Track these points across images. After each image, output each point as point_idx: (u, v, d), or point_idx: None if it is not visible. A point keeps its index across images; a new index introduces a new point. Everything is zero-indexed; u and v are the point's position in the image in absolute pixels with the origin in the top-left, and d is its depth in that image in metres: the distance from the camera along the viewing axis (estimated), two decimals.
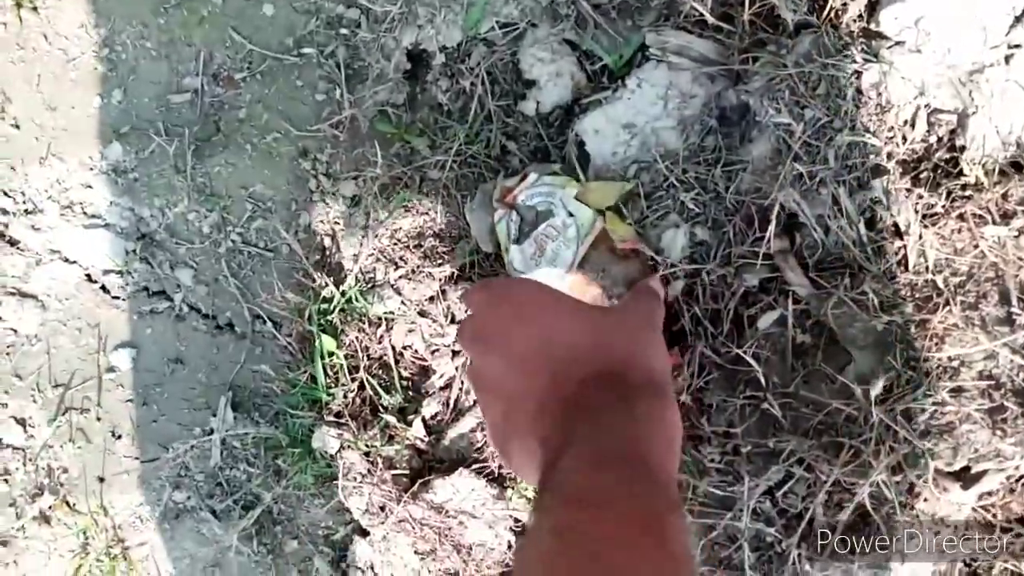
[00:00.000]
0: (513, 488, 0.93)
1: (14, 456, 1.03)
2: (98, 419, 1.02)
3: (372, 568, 0.98)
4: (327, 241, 1.00)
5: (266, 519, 0.99)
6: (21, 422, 1.03)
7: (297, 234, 1.00)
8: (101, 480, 1.02)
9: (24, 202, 1.04)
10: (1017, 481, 0.82)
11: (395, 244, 0.97)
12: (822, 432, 0.85)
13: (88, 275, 1.04)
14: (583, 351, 0.43)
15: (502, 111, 0.95)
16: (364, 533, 0.97)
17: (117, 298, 1.03)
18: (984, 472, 0.81)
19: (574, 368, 0.42)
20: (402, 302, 0.96)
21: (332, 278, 0.97)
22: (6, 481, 1.03)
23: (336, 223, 1.00)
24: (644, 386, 0.42)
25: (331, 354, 0.95)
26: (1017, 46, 0.84)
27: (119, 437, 1.02)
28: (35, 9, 1.04)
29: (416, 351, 0.97)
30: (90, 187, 1.03)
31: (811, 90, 0.86)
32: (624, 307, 0.54)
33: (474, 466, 0.95)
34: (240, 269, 1.01)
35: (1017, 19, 0.85)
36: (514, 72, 0.95)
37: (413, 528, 0.94)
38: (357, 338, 0.96)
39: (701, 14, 0.89)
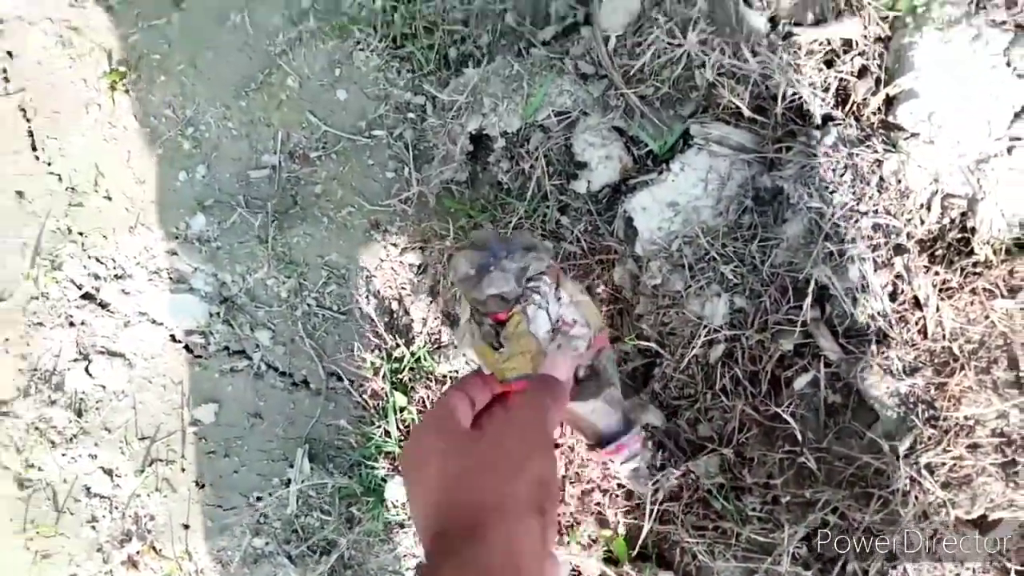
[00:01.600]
0: (571, 535, 1.02)
1: (101, 504, 1.10)
2: (182, 470, 1.10)
3: None
4: (394, 305, 1.09)
5: (338, 564, 1.06)
6: (108, 472, 1.11)
7: (369, 299, 1.09)
8: (186, 527, 1.09)
9: (114, 268, 1.13)
10: None
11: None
12: (854, 483, 0.95)
13: (173, 335, 1.12)
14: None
15: (556, 189, 1.05)
16: None
17: (200, 357, 1.12)
18: (1000, 520, 0.90)
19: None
20: (466, 362, 1.05)
21: (402, 339, 1.06)
22: (94, 528, 1.10)
23: (403, 288, 1.09)
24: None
25: (403, 409, 1.04)
26: (1018, 139, 0.95)
27: (202, 487, 1.10)
28: (127, 92, 1.14)
29: None
30: (175, 254, 1.12)
31: (838, 176, 0.96)
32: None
33: None
34: (315, 331, 1.10)
35: (1017, 115, 0.96)
36: (567, 155, 1.05)
37: None
38: (425, 395, 1.05)
39: (737, 106, 1.00)
